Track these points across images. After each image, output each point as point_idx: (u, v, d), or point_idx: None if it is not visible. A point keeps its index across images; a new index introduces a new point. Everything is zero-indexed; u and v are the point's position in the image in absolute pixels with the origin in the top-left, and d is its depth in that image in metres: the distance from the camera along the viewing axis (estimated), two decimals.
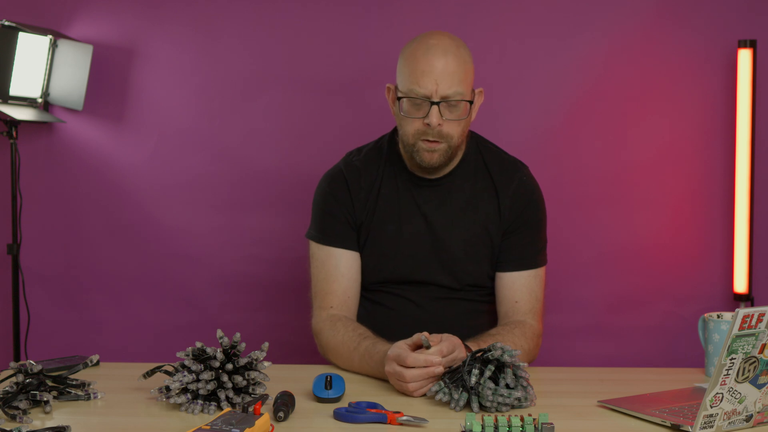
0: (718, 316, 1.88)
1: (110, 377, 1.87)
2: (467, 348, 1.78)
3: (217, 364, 1.63)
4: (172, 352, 1.72)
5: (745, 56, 2.77)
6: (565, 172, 2.87)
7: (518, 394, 1.64)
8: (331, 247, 2.10)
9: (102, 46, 2.88)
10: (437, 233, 2.09)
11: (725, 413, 1.48)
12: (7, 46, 2.68)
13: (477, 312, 2.13)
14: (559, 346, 2.84)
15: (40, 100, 2.86)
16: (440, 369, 1.70)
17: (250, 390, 1.65)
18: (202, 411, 1.63)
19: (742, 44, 2.76)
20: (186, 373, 1.64)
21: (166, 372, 1.73)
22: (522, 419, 1.50)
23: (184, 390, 1.64)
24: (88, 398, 1.71)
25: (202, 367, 1.63)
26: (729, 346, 1.41)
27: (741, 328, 1.41)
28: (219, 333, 1.68)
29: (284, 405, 1.58)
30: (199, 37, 2.90)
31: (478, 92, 2.06)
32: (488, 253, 2.10)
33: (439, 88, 1.95)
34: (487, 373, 1.63)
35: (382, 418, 1.57)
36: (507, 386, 1.65)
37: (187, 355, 1.66)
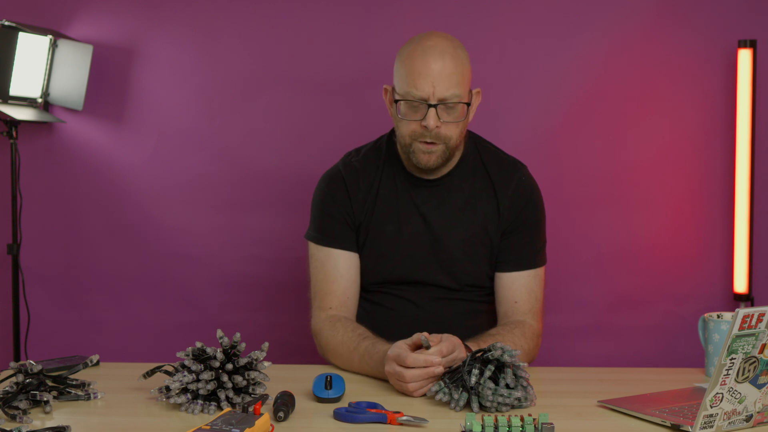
0: (718, 316, 1.88)
1: (110, 377, 1.87)
2: (467, 348, 1.78)
3: (217, 364, 1.63)
4: (172, 352, 1.72)
5: (745, 56, 2.77)
6: (565, 172, 2.87)
7: (518, 394, 1.64)
8: (330, 247, 2.10)
9: (102, 46, 2.88)
10: (436, 233, 2.09)
11: (725, 413, 1.48)
12: (7, 46, 2.68)
13: (476, 312, 2.13)
14: (558, 346, 2.84)
15: (40, 100, 2.86)
16: (440, 369, 1.70)
17: (250, 390, 1.65)
18: (202, 411, 1.63)
19: (742, 44, 2.76)
20: (186, 373, 1.64)
21: (166, 372, 1.73)
22: (522, 419, 1.50)
23: (184, 390, 1.64)
24: (88, 398, 1.71)
25: (202, 367, 1.63)
26: (729, 346, 1.41)
27: (741, 328, 1.41)
28: (219, 333, 1.68)
29: (284, 405, 1.58)
30: (199, 37, 2.90)
31: (475, 93, 2.05)
32: (487, 253, 2.10)
33: (436, 91, 1.94)
34: (487, 373, 1.63)
35: (382, 418, 1.57)
36: (507, 386, 1.65)
37: (187, 355, 1.65)
